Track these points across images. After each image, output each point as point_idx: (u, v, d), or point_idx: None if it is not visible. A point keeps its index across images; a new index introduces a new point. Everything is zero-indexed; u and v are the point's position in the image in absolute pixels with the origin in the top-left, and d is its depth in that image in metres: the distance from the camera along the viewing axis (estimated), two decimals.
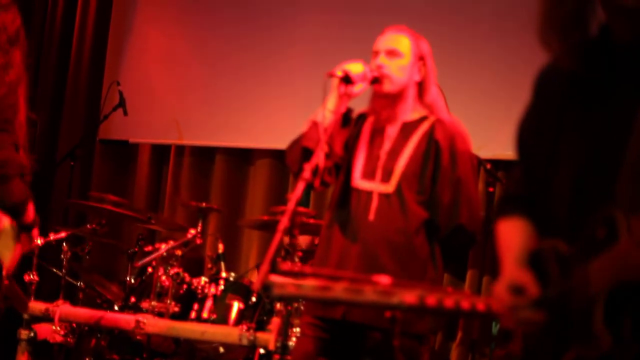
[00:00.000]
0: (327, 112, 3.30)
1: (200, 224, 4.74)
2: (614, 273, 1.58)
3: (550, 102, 1.85)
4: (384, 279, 2.00)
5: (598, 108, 1.74)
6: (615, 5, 1.68)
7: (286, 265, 2.21)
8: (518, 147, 1.96)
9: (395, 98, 3.38)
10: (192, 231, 4.67)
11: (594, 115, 1.75)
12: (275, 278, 2.00)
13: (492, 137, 5.06)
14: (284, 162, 5.72)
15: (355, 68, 3.29)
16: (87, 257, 5.14)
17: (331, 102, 3.32)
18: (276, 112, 6.03)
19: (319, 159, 3.08)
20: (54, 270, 5.00)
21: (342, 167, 3.43)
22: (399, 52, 3.38)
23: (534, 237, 1.86)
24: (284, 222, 2.82)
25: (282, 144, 3.51)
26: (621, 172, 1.63)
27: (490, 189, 4.58)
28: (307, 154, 3.25)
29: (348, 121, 3.42)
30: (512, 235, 1.90)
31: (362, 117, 3.50)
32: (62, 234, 4.84)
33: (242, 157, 6.31)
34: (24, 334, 4.40)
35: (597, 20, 1.75)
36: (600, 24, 1.76)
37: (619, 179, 1.63)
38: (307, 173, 2.97)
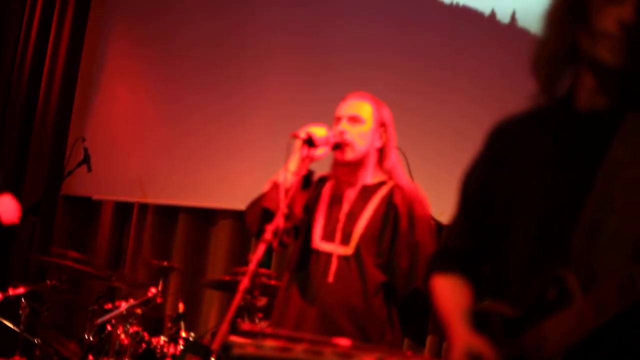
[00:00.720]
0: (288, 174, 3.34)
1: (161, 283, 4.74)
2: (569, 335, 1.59)
3: (504, 158, 1.84)
4: (344, 341, 2.02)
5: (554, 169, 1.75)
6: (602, 68, 1.71)
7: (246, 326, 2.24)
8: (462, 200, 1.95)
9: (357, 164, 3.44)
10: (153, 290, 4.66)
11: (550, 175, 1.75)
12: (235, 338, 2.02)
13: (453, 204, 5.11)
14: (247, 226, 5.80)
15: (319, 132, 3.34)
16: (46, 313, 5.10)
17: (293, 164, 3.36)
18: (240, 173, 6.06)
19: (280, 220, 3.11)
20: (12, 326, 4.95)
21: (300, 229, 3.46)
22: (360, 118, 3.44)
23: (471, 295, 1.86)
24: (244, 282, 2.85)
25: (244, 205, 3.54)
26: (575, 234, 1.64)
27: None
28: (267, 214, 3.28)
29: (308, 183, 3.44)
30: (453, 294, 1.89)
31: (323, 180, 3.54)
32: (21, 290, 4.80)
33: (205, 217, 6.33)
34: None
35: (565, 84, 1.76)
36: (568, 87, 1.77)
37: (573, 241, 1.64)
38: (268, 234, 2.99)
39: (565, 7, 1.76)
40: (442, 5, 5.61)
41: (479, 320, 1.78)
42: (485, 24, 5.40)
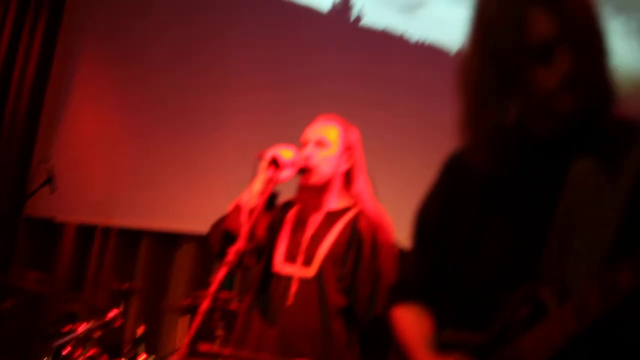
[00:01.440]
0: (252, 195, 3.33)
1: (122, 306, 4.69)
2: (550, 343, 1.60)
3: (460, 190, 1.86)
4: None
5: (513, 199, 1.76)
6: (552, 111, 1.71)
7: (205, 347, 2.21)
8: (418, 232, 1.95)
9: (322, 189, 3.44)
10: (113, 312, 4.61)
11: (508, 206, 1.77)
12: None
13: None
14: (209, 248, 5.78)
15: (286, 154, 3.34)
16: (3, 335, 5.03)
17: (257, 185, 3.35)
18: (204, 197, 6.04)
19: (242, 242, 3.09)
20: None
21: (263, 251, 3.45)
22: (326, 142, 3.44)
23: (433, 325, 1.86)
24: (205, 304, 2.82)
25: (207, 229, 3.52)
26: (545, 253, 1.66)
27: None
28: (229, 236, 3.27)
29: (272, 205, 3.43)
30: (415, 324, 1.89)
31: (288, 205, 3.54)
32: None
33: (168, 241, 6.29)
34: None
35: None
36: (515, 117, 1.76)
37: (543, 261, 1.65)
38: (230, 256, 2.98)
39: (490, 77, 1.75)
40: (408, 43, 5.65)
41: (444, 351, 1.78)
42: (452, 62, 5.46)
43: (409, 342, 1.87)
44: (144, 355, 4.73)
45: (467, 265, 1.79)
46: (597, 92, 1.69)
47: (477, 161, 1.78)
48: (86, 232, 6.59)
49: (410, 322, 1.90)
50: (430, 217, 1.91)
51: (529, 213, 1.73)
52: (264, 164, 3.35)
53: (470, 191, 1.83)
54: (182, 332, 5.76)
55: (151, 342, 5.47)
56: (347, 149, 3.48)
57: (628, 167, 1.65)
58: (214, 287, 2.90)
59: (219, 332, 4.55)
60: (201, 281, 5.95)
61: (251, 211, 3.26)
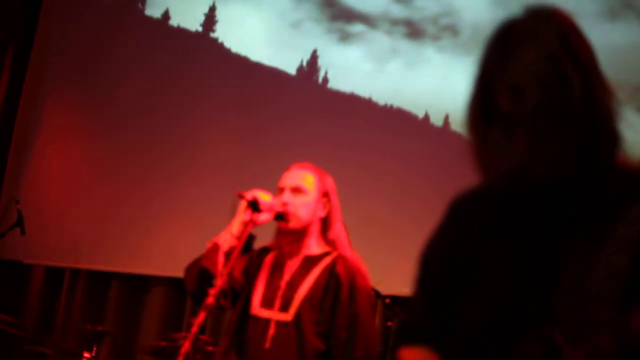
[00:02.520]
0: (230, 236, 3.38)
1: (94, 348, 4.69)
2: None
3: (467, 230, 1.82)
4: None
5: (523, 235, 1.75)
6: (531, 177, 1.72)
7: None
8: (422, 273, 1.91)
9: (300, 234, 3.47)
10: (87, 355, 4.61)
11: (519, 245, 1.75)
12: None
13: (390, 274, 5.19)
14: (180, 290, 5.80)
15: (265, 197, 3.39)
16: None
17: (235, 227, 3.39)
18: (174, 240, 6.05)
19: (220, 283, 3.12)
20: None
21: (239, 294, 3.48)
22: (303, 189, 3.48)
23: None
24: (186, 346, 2.87)
25: (179, 272, 3.55)
26: (559, 292, 1.65)
27: (389, 323, 4.67)
28: (205, 275, 3.31)
29: (249, 248, 3.47)
30: None
31: (265, 250, 3.57)
32: None
33: (138, 284, 6.28)
34: None
35: None
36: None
37: (556, 300, 1.65)
38: (210, 298, 3.02)
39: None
40: (376, 106, 5.77)
41: None
42: (420, 126, 5.59)
43: None
44: None
45: (475, 305, 1.78)
46: (600, 134, 1.71)
47: (492, 195, 1.78)
48: (55, 275, 6.56)
49: None
50: (436, 256, 1.88)
51: (541, 253, 1.72)
52: (242, 204, 3.39)
53: (477, 230, 1.81)
54: None
55: None
56: (324, 195, 3.52)
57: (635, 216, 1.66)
58: (194, 329, 2.95)
59: None
60: (173, 323, 5.96)
61: (229, 251, 3.31)
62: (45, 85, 6.95)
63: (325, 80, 5.99)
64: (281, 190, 3.50)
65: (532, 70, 1.71)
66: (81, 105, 6.80)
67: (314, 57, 6.05)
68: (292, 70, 6.13)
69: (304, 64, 6.08)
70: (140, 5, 6.78)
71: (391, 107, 5.72)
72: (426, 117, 5.63)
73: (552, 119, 1.69)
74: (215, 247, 3.40)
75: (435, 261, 1.88)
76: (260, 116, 6.08)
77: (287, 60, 6.15)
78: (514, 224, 1.76)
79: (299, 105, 6.03)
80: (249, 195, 3.37)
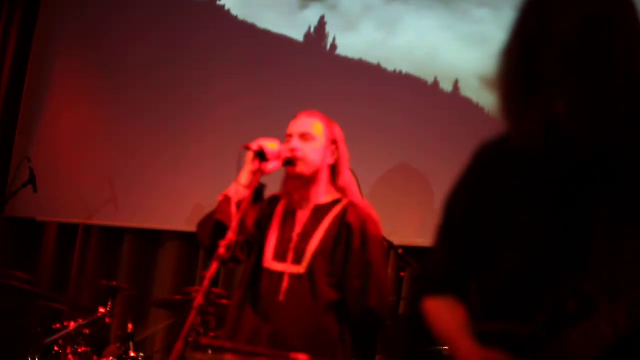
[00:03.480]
0: (239, 187, 3.35)
1: (110, 303, 4.70)
2: (601, 340, 1.61)
3: (494, 178, 1.81)
4: (302, 357, 2.04)
5: (555, 189, 1.74)
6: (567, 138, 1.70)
7: (206, 340, 2.24)
8: (446, 222, 1.90)
9: (309, 180, 3.45)
10: (102, 310, 4.63)
11: (551, 197, 1.74)
12: (193, 353, 2.03)
13: (403, 224, 5.17)
14: (192, 245, 5.81)
15: (271, 145, 3.35)
16: None
17: (244, 177, 3.36)
18: (185, 194, 6.05)
19: (232, 235, 3.10)
20: None
21: (253, 246, 3.47)
22: (312, 135, 3.46)
23: (468, 315, 1.83)
24: (198, 299, 2.85)
25: (191, 226, 3.53)
26: (593, 246, 1.65)
27: (402, 274, 4.64)
28: (219, 228, 3.28)
29: (260, 197, 3.43)
30: (451, 314, 1.86)
31: (275, 199, 3.55)
32: None
33: (151, 239, 6.29)
34: None
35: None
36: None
37: (591, 254, 1.65)
38: (221, 250, 3.01)
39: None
40: (386, 72, 5.69)
41: (481, 341, 1.76)
42: (429, 92, 5.51)
43: (448, 333, 1.84)
44: (133, 353, 4.75)
45: (505, 257, 1.77)
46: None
47: (524, 145, 1.74)
48: (68, 231, 6.58)
49: (446, 313, 1.86)
50: (460, 206, 1.88)
51: (574, 210, 1.71)
52: (249, 155, 3.36)
53: (505, 179, 1.80)
54: (168, 329, 5.79)
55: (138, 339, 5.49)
56: (332, 142, 3.50)
57: None
58: (206, 282, 2.93)
59: (211, 328, 4.57)
60: (186, 278, 5.97)
61: (239, 203, 3.29)
62: (54, 47, 6.92)
63: (334, 46, 5.91)
64: (289, 137, 3.48)
65: (574, 35, 1.67)
66: (89, 66, 6.77)
67: (321, 24, 5.97)
68: (299, 37, 6.05)
69: (312, 30, 6.01)
70: None
71: (400, 72, 5.64)
72: (435, 83, 5.54)
73: (593, 84, 1.67)
74: (227, 199, 3.37)
75: (459, 211, 1.87)
76: (267, 76, 6.02)
77: (294, 28, 6.06)
78: (547, 180, 1.74)
79: (307, 68, 5.95)
80: (255, 145, 3.34)
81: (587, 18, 1.67)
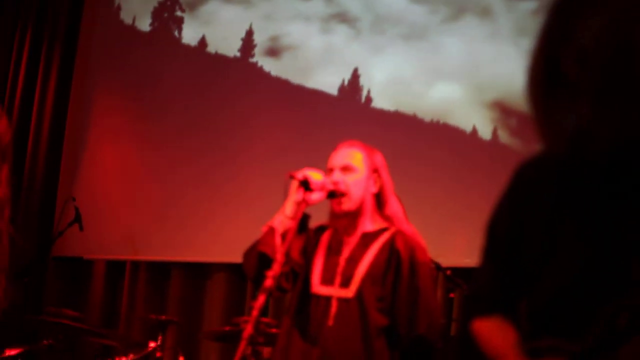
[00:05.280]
0: (284, 218, 3.36)
1: (160, 337, 4.73)
2: None
3: (534, 199, 1.80)
4: None
5: (598, 199, 1.71)
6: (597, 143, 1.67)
7: None
8: (489, 246, 1.90)
9: (355, 215, 3.45)
10: (152, 344, 4.66)
11: (593, 208, 1.71)
12: None
13: (449, 247, 5.16)
14: (240, 275, 5.83)
15: (316, 176, 3.37)
16: None
17: (289, 208, 3.37)
18: (231, 226, 6.08)
19: (278, 266, 3.12)
20: None
21: (299, 274, 3.47)
22: (353, 167, 3.46)
23: (517, 335, 1.82)
24: (248, 330, 2.87)
25: (237, 257, 3.55)
26: (635, 265, 1.62)
27: (451, 295, 4.63)
28: (263, 259, 3.29)
29: (304, 227, 3.44)
30: (502, 333, 1.85)
31: (322, 229, 3.56)
32: (17, 351, 4.78)
33: (198, 271, 6.32)
34: None
35: None
36: None
37: (634, 267, 1.62)
38: (269, 281, 3.02)
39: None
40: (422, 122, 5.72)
41: (532, 357, 1.73)
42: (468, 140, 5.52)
43: (499, 353, 1.83)
44: None
45: (550, 274, 1.75)
46: None
47: (552, 148, 1.72)
48: (116, 268, 6.64)
49: (496, 333, 1.85)
50: (502, 226, 1.86)
51: (613, 220, 1.68)
52: (294, 184, 3.38)
53: (546, 195, 1.78)
54: None
55: None
56: (374, 171, 3.49)
57: None
58: (255, 312, 2.96)
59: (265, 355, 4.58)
60: (234, 309, 5.99)
61: (284, 233, 3.30)
62: (95, 80, 7.01)
63: (369, 99, 5.95)
64: (330, 171, 3.48)
65: (598, 35, 1.65)
66: (132, 98, 6.86)
67: (355, 76, 6.00)
68: (333, 91, 6.09)
69: (345, 83, 6.04)
70: (177, 34, 6.80)
71: (438, 122, 5.66)
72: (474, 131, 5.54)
73: (618, 85, 1.64)
74: (271, 231, 3.38)
75: (502, 231, 1.86)
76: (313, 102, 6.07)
77: (328, 81, 6.11)
78: (584, 191, 1.72)
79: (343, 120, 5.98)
80: (300, 174, 3.35)
81: (612, 20, 1.68)
